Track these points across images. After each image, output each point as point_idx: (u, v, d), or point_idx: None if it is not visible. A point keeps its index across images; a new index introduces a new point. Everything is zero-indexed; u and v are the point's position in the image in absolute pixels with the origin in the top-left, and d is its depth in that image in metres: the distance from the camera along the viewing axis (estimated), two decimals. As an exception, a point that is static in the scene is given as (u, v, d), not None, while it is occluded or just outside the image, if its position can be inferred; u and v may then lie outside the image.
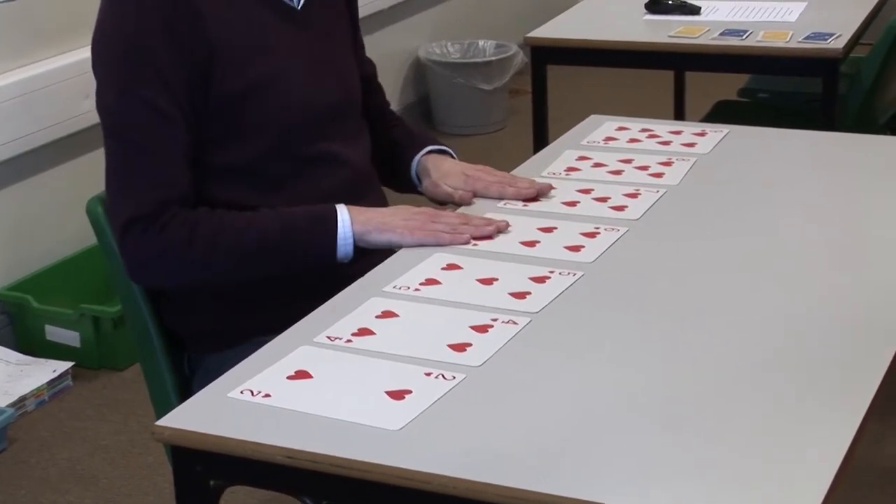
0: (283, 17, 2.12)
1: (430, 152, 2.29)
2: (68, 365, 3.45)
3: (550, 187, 2.22)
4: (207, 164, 2.06)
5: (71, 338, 3.51)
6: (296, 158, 2.11)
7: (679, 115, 4.42)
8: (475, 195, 2.21)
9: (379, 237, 2.05)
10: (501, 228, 2.07)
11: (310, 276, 2.08)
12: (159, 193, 2.00)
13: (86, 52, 3.63)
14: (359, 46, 2.32)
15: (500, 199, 2.19)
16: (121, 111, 2.01)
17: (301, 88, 2.11)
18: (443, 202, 2.26)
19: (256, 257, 2.03)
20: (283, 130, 2.09)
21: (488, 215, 2.13)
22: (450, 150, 2.32)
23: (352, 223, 2.04)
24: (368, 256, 2.05)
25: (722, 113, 3.79)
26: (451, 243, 2.03)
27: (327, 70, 2.17)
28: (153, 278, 2.07)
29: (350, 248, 2.04)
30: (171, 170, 2.02)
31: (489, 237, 2.05)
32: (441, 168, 2.26)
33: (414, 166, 2.29)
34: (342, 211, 2.06)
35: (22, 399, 3.30)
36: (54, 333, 3.52)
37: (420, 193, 2.31)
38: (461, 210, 2.18)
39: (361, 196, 2.14)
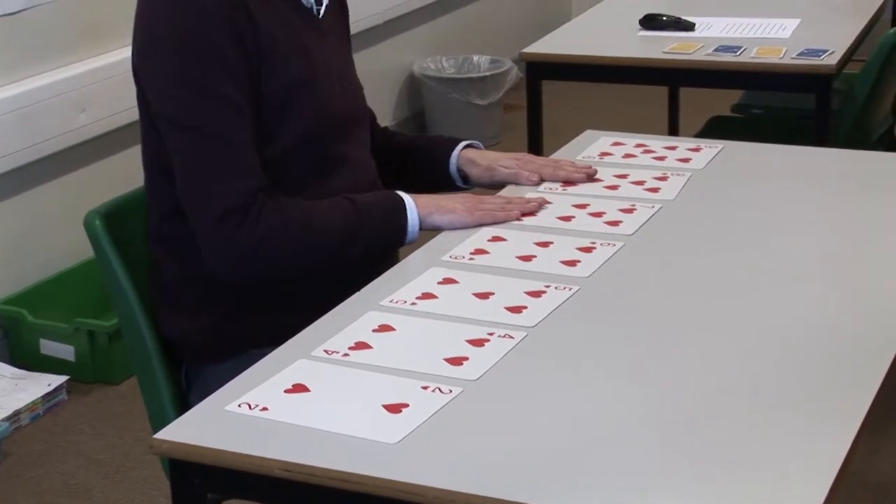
0: (310, 24, 2.17)
1: (465, 147, 2.38)
2: (63, 379, 3.45)
3: (595, 171, 2.36)
4: None
5: (66, 352, 3.51)
6: (317, 160, 2.15)
7: (673, 130, 4.43)
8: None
9: (441, 218, 2.15)
10: (542, 204, 2.21)
11: (306, 288, 2.09)
12: (248, 183, 2.02)
13: (81, 67, 3.70)
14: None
15: (553, 180, 2.33)
16: (197, 107, 2.02)
17: (328, 92, 2.17)
18: (499, 186, 2.34)
19: (340, 244, 2.08)
20: (310, 131, 2.13)
21: (484, 230, 2.14)
22: (480, 144, 2.41)
23: (416, 208, 2.13)
24: (359, 270, 2.07)
25: (716, 128, 3.81)
26: (505, 220, 2.16)
27: (345, 76, 2.24)
28: (252, 268, 2.05)
29: (417, 232, 2.14)
30: (252, 159, 2.04)
31: (533, 213, 2.19)
32: (487, 156, 2.37)
33: (454, 161, 2.36)
34: (406, 197, 2.14)
35: (16, 413, 3.30)
36: (49, 347, 3.52)
37: (458, 188, 2.37)
38: (506, 192, 2.31)
39: None
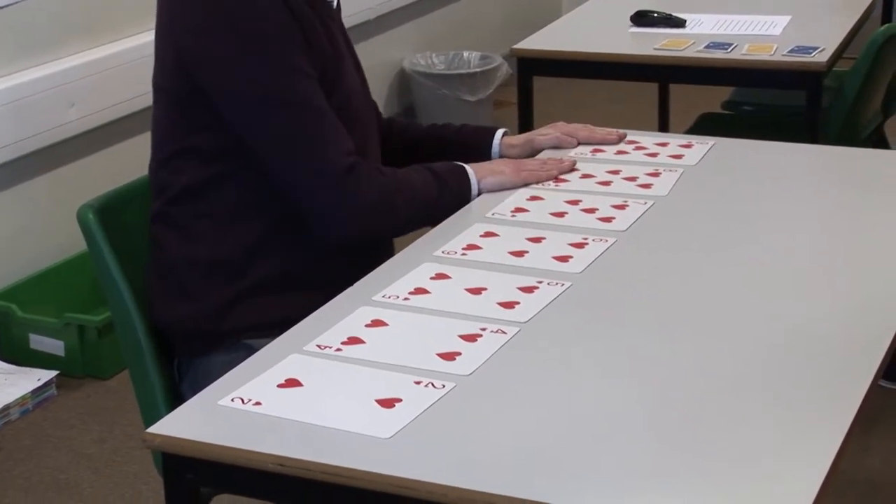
0: (330, 17, 2.20)
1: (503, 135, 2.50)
2: (53, 374, 3.44)
3: (625, 134, 2.54)
4: None
5: (55, 346, 3.50)
6: None
7: (663, 127, 4.43)
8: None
9: (493, 180, 2.28)
10: (574, 163, 2.38)
11: (296, 277, 2.10)
12: (350, 146, 2.11)
13: (70, 62, 3.69)
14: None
15: (588, 143, 2.51)
16: (284, 83, 2.06)
17: (351, 84, 2.22)
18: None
19: (430, 205, 2.20)
20: (341, 120, 2.15)
21: (476, 226, 2.15)
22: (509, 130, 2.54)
23: (473, 173, 2.28)
24: (357, 261, 2.09)
25: (706, 125, 3.81)
26: (547, 179, 2.32)
27: (357, 68, 2.29)
28: (377, 221, 2.14)
29: (476, 195, 2.27)
30: (339, 125, 2.11)
31: (567, 172, 2.36)
32: (521, 135, 2.53)
33: (496, 148, 2.46)
34: (466, 165, 2.27)
35: (6, 408, 3.30)
36: (38, 342, 3.52)
37: None
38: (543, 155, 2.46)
39: None
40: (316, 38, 2.12)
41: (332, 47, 2.16)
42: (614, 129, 2.54)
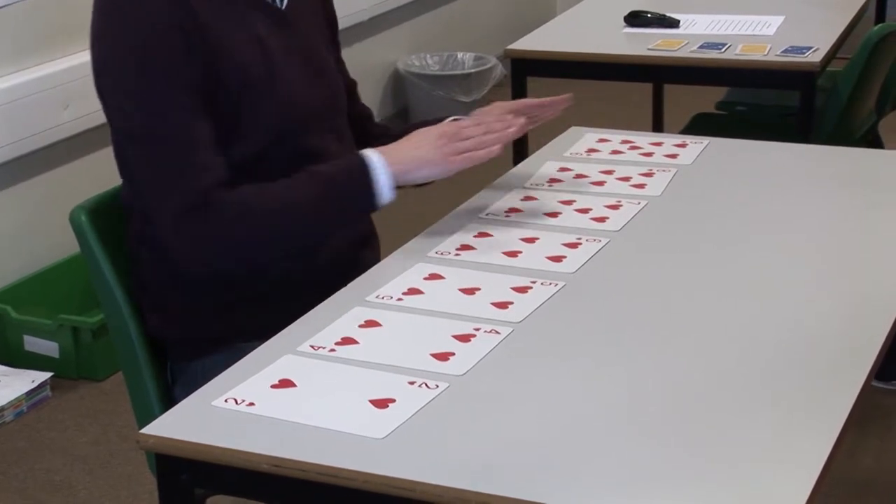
0: (272, 18, 2.14)
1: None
2: (47, 375, 3.44)
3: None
4: None
5: (50, 348, 3.50)
6: (291, 155, 2.12)
7: (657, 127, 4.44)
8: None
9: (418, 174, 2.07)
10: (524, 126, 2.15)
11: (288, 282, 2.10)
12: (201, 181, 1.99)
13: (65, 63, 3.69)
14: (339, 55, 2.35)
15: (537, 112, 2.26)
16: (145, 112, 2.01)
17: (294, 87, 2.13)
18: None
19: (309, 217, 2.03)
20: (279, 128, 2.11)
21: (470, 226, 2.15)
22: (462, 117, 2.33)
23: (387, 166, 2.04)
24: (351, 264, 2.07)
25: (700, 125, 3.81)
26: (486, 159, 2.07)
27: (315, 68, 2.20)
28: (225, 259, 2.03)
29: (390, 193, 2.04)
30: (205, 157, 2.01)
31: (516, 137, 2.13)
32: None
33: None
34: (373, 157, 2.05)
35: (0, 410, 3.29)
36: (33, 344, 3.51)
37: None
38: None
39: None
40: (232, 44, 2.05)
41: (260, 50, 2.09)
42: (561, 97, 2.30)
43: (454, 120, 2.17)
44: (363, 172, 2.04)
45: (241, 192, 2.02)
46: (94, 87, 2.08)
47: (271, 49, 2.11)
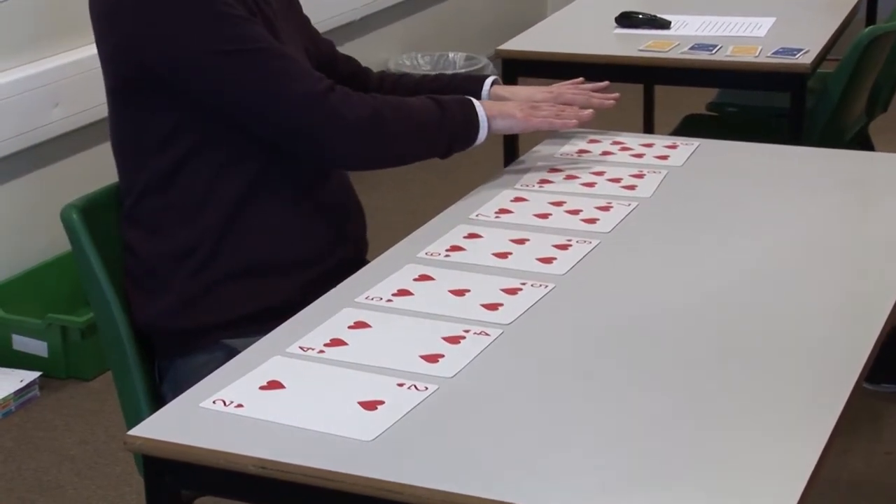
0: (264, 4, 2.17)
1: (493, 83, 2.44)
2: (35, 375, 3.43)
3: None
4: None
5: (38, 347, 3.49)
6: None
7: (648, 128, 4.43)
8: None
9: (502, 123, 2.28)
10: (601, 106, 2.44)
11: (274, 277, 2.10)
12: (324, 78, 2.10)
13: (54, 62, 3.67)
14: (312, 29, 2.42)
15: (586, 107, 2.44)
16: (234, 34, 2.03)
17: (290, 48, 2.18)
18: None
19: (430, 131, 2.18)
20: None
21: (460, 227, 2.14)
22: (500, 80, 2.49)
23: (483, 109, 2.24)
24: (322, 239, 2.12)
25: (691, 126, 3.81)
26: (562, 128, 2.35)
27: (299, 52, 2.24)
28: (375, 134, 2.11)
29: (486, 133, 2.24)
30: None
31: (588, 118, 2.38)
32: (518, 93, 2.45)
33: (485, 96, 2.41)
34: (474, 100, 2.24)
35: (-12, 409, 3.29)
36: (21, 343, 3.50)
37: None
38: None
39: (329, 171, 2.22)
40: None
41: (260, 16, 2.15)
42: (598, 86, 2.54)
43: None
44: (472, 109, 2.23)
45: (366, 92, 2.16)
46: (123, 37, 2.06)
47: (275, 32, 2.16)
